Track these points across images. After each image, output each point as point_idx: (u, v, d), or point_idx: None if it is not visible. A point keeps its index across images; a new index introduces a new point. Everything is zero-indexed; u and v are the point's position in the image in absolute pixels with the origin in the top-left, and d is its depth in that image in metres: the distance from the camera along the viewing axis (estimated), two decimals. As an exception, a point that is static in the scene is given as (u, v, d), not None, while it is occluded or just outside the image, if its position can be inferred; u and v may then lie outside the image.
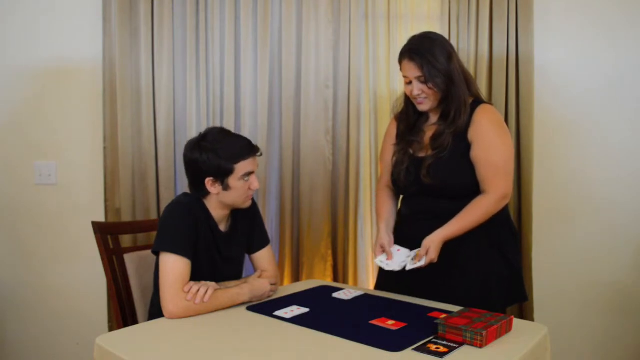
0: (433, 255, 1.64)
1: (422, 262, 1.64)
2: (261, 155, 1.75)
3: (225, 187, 1.67)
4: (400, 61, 1.76)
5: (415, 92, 1.73)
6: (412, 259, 1.68)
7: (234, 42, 2.48)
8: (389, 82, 2.56)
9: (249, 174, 1.69)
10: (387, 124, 2.47)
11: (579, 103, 2.59)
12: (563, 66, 2.59)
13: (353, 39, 2.54)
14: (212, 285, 1.60)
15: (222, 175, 1.66)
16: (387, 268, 1.73)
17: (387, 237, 1.78)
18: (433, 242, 1.65)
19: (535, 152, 2.51)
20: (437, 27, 2.51)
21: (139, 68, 2.43)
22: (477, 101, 1.78)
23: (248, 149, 1.69)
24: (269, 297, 1.73)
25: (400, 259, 1.72)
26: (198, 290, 1.56)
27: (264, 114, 2.51)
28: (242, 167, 1.66)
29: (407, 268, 1.67)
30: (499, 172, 1.70)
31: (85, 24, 2.45)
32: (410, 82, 1.74)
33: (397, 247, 1.77)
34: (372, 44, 2.55)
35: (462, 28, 2.50)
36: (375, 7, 2.54)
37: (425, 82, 1.70)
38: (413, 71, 1.71)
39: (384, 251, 1.76)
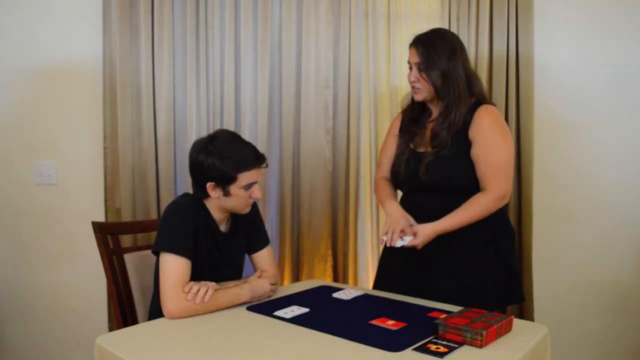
0: (418, 241, 1.65)
1: (405, 242, 1.65)
2: (267, 167, 1.75)
3: (226, 194, 1.67)
4: (410, 48, 1.83)
5: (412, 78, 1.80)
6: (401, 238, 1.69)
7: (234, 42, 2.48)
8: (389, 82, 2.56)
9: (252, 184, 1.68)
10: (387, 124, 2.47)
11: (579, 103, 2.60)
12: (563, 66, 2.59)
13: (353, 39, 2.54)
14: (212, 285, 1.60)
15: (224, 182, 1.65)
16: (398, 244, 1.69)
17: (405, 221, 1.72)
18: (424, 231, 1.66)
19: (535, 152, 2.52)
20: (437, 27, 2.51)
21: (139, 68, 2.42)
22: (480, 101, 1.79)
23: (254, 159, 1.67)
24: (269, 297, 1.73)
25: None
26: (198, 290, 1.56)
27: (264, 114, 2.51)
28: (245, 177, 1.65)
29: (397, 244, 1.68)
30: (499, 171, 1.71)
31: (85, 24, 2.45)
32: (411, 68, 1.81)
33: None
34: (372, 43, 2.54)
35: (462, 28, 2.51)
36: (375, 7, 2.54)
37: (419, 71, 1.77)
38: (413, 57, 1.79)
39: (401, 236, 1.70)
